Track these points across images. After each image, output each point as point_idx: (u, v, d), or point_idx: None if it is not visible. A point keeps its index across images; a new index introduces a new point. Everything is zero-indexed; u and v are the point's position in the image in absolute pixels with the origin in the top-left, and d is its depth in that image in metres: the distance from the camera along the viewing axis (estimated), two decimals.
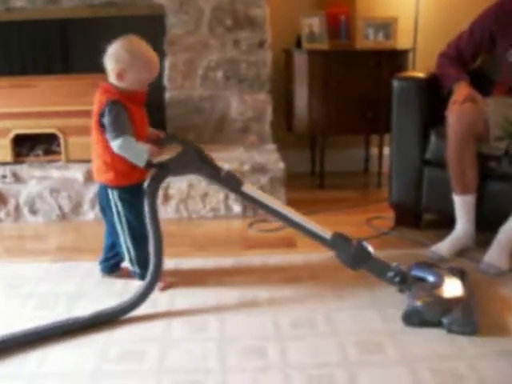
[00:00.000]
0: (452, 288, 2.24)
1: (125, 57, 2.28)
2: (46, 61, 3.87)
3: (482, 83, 3.03)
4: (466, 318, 2.11)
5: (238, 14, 3.73)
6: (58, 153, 3.52)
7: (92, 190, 3.33)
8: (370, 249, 2.31)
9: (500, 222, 2.70)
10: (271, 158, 3.56)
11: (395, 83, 3.04)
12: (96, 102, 2.34)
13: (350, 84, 3.83)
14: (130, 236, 2.42)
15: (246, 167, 3.39)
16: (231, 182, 2.34)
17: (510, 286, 2.48)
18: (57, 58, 3.87)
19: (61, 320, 2.14)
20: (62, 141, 3.45)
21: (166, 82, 3.79)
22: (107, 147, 2.30)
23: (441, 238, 2.84)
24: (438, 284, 2.24)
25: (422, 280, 2.30)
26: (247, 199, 2.38)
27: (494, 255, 2.64)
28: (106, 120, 2.26)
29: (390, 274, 2.28)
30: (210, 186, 3.31)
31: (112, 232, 2.50)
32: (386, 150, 3.40)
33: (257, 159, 3.50)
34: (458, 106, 2.72)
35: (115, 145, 2.24)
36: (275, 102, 3.93)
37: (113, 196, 2.41)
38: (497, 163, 2.78)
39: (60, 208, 3.36)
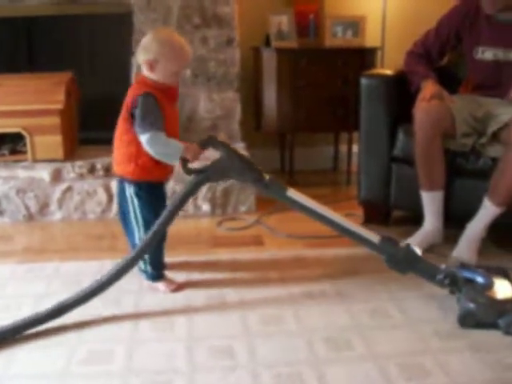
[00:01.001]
0: (503, 289, 2.21)
1: (154, 46, 2.25)
2: (11, 59, 3.83)
3: (450, 81, 3.06)
4: None
5: (206, 11, 3.70)
6: (24, 152, 3.46)
7: (59, 190, 3.29)
8: (419, 251, 2.27)
9: (467, 217, 2.72)
10: None
11: (363, 81, 3.04)
12: (130, 93, 2.30)
13: (318, 82, 3.84)
14: (145, 233, 2.35)
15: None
16: (276, 188, 2.27)
17: None
18: (22, 57, 3.83)
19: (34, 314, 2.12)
20: (27, 140, 3.40)
21: (133, 80, 3.75)
22: (133, 140, 2.27)
23: (409, 234, 2.85)
24: (488, 285, 2.20)
25: (471, 281, 2.24)
26: (293, 204, 2.29)
27: (461, 251, 2.67)
28: (138, 111, 2.21)
29: (440, 276, 2.23)
30: (178, 185, 3.29)
31: (122, 224, 2.49)
32: (356, 148, 3.40)
33: None
34: (426, 103, 2.74)
35: (144, 138, 2.20)
36: (244, 100, 3.91)
37: (129, 191, 2.37)
38: (464, 160, 2.80)
39: (26, 208, 3.31)
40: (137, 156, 2.29)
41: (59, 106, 3.34)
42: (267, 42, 3.96)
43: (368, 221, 3.21)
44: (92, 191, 3.32)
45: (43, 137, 3.37)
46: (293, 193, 2.28)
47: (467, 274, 2.25)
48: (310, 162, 4.32)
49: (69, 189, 3.32)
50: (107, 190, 3.33)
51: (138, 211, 2.37)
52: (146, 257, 2.39)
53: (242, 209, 3.44)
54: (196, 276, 2.58)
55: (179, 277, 2.54)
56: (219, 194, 3.39)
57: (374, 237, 2.28)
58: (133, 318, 2.22)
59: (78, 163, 3.35)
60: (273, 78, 3.83)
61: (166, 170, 2.41)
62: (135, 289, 2.44)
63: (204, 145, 2.27)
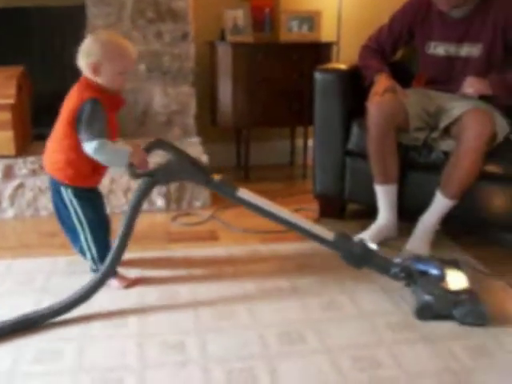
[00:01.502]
0: (456, 280, 2.24)
1: (97, 48, 2.20)
2: None
3: (403, 75, 3.08)
4: (477, 309, 2.12)
5: (160, 6, 3.67)
6: None
7: (11, 187, 3.23)
8: (373, 246, 2.29)
9: (421, 210, 2.75)
10: (195, 151, 3.51)
11: (317, 75, 3.05)
12: (74, 95, 2.24)
13: (274, 77, 3.83)
14: (91, 233, 2.35)
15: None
16: (226, 188, 2.27)
17: None
18: None
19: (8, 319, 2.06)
20: None
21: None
22: (74, 145, 2.21)
23: (365, 227, 2.87)
24: (441, 276, 2.23)
25: (425, 273, 2.27)
26: (244, 204, 2.29)
27: (414, 243, 2.69)
28: (84, 118, 2.16)
29: (395, 269, 2.26)
30: (133, 181, 3.26)
31: (61, 225, 2.46)
32: (311, 142, 3.41)
33: None
34: (379, 97, 2.75)
35: (90, 147, 2.14)
36: (199, 95, 3.89)
37: (67, 194, 2.32)
38: (417, 154, 2.82)
39: None
40: (77, 162, 2.25)
41: (10, 101, 3.26)
42: (222, 37, 3.94)
43: (323, 215, 3.23)
44: (45, 187, 3.25)
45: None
46: (244, 192, 2.28)
47: (421, 267, 2.28)
48: (267, 157, 4.32)
49: (21, 185, 3.26)
50: None
51: (79, 212, 2.33)
52: (96, 255, 2.37)
53: (197, 204, 3.41)
54: (150, 272, 2.55)
55: (133, 273, 2.51)
56: (174, 189, 3.37)
57: (328, 234, 2.29)
58: (83, 315, 2.18)
59: (30, 159, 3.28)
60: (228, 72, 3.82)
61: (102, 175, 2.40)
62: None
63: (151, 148, 2.27)
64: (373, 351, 1.95)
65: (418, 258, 2.36)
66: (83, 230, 2.35)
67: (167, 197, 3.37)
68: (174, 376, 1.82)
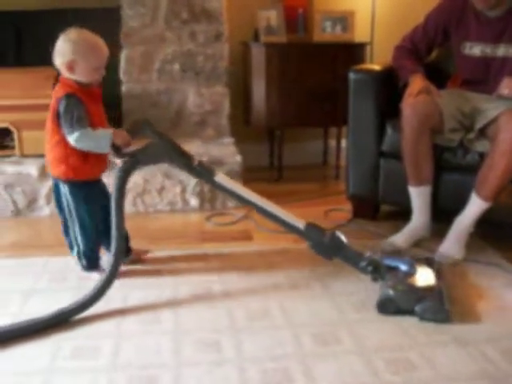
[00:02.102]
0: (424, 277, 2.28)
1: (68, 47, 2.27)
2: None
3: (438, 76, 3.06)
4: (438, 306, 2.14)
5: (194, 6, 3.70)
6: (12, 147, 3.45)
7: (47, 186, 3.28)
8: (344, 238, 2.32)
9: (455, 212, 2.73)
10: (228, 151, 3.54)
11: (352, 76, 3.04)
12: (53, 94, 2.34)
13: (307, 77, 3.83)
14: (80, 230, 2.43)
15: (203, 160, 3.36)
16: (203, 172, 2.33)
17: (471, 273, 2.54)
18: (9, 51, 3.81)
19: (19, 322, 2.08)
20: (15, 135, 3.39)
21: (122, 75, 3.75)
22: (61, 141, 2.30)
23: (398, 229, 2.86)
24: (410, 273, 2.27)
25: (394, 269, 2.31)
26: (219, 189, 2.38)
27: (449, 245, 2.67)
28: (62, 113, 2.25)
29: (363, 263, 2.29)
30: (167, 180, 3.29)
31: (62, 220, 2.53)
32: (345, 143, 3.41)
33: (214, 153, 3.49)
34: (413, 98, 2.74)
35: (72, 138, 2.23)
36: (233, 95, 3.92)
37: (64, 190, 2.40)
38: (451, 155, 2.81)
39: (14, 204, 3.30)
40: (65, 157, 2.33)
41: (48, 101, 3.30)
42: (256, 37, 3.95)
43: (356, 215, 3.22)
44: None
45: (31, 132, 3.36)
46: (221, 177, 2.35)
47: (391, 262, 2.34)
48: (299, 157, 4.32)
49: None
50: None
51: (72, 207, 2.41)
52: (81, 251, 2.46)
53: (231, 204, 3.43)
54: (183, 271, 2.57)
55: (166, 272, 2.55)
56: (207, 188, 3.39)
57: (299, 222, 2.33)
58: (119, 312, 2.21)
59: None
60: (261, 73, 3.83)
61: (98, 167, 2.44)
62: (121, 284, 2.42)
63: (135, 130, 2.33)
64: (406, 353, 1.94)
65: (390, 254, 2.45)
66: (73, 224, 2.44)
67: (201, 196, 3.39)
68: (210, 374, 1.83)
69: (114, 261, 2.24)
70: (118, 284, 2.39)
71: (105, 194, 2.49)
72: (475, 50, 2.85)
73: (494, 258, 2.67)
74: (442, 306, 2.15)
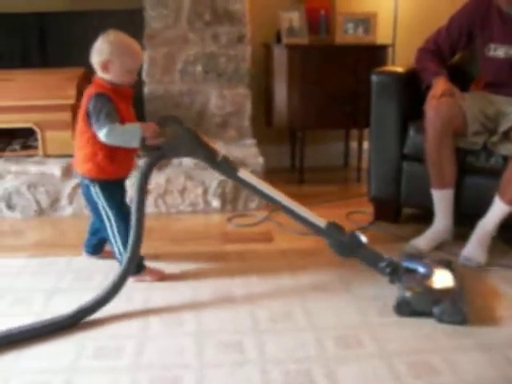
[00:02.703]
0: (442, 279, 2.27)
1: (106, 47, 2.33)
2: (23, 54, 3.85)
3: (461, 78, 3.05)
4: (455, 308, 2.14)
5: (217, 8, 3.71)
6: (35, 147, 3.48)
7: (70, 186, 3.30)
8: (363, 238, 2.31)
9: (478, 216, 2.71)
10: (250, 152, 3.55)
11: (374, 78, 3.04)
12: (85, 94, 2.38)
13: (329, 79, 3.83)
14: (117, 227, 2.45)
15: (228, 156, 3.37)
16: (227, 167, 2.33)
17: (494, 277, 2.52)
18: (34, 52, 3.84)
19: (39, 321, 2.10)
20: (39, 135, 3.42)
21: (144, 76, 3.77)
22: (90, 138, 2.35)
23: (420, 232, 2.85)
24: (428, 275, 2.27)
25: (412, 271, 2.31)
26: (243, 184, 2.38)
27: (471, 249, 2.66)
28: (92, 110, 2.30)
29: (382, 264, 2.29)
30: (189, 181, 3.30)
31: (97, 221, 2.54)
32: (366, 145, 3.40)
33: (236, 154, 3.49)
34: (436, 100, 2.73)
35: (102, 133, 2.27)
36: (255, 96, 3.93)
37: (94, 189, 2.44)
38: (475, 158, 2.79)
39: (37, 203, 3.33)
40: (92, 155, 2.38)
41: (71, 101, 3.35)
42: (278, 39, 3.96)
43: (378, 218, 3.22)
44: None
45: (55, 132, 3.40)
46: (244, 173, 2.34)
47: (410, 265, 2.33)
48: (321, 159, 4.32)
49: (79, 184, 3.33)
50: None
51: (106, 206, 2.45)
52: (121, 249, 2.45)
53: (252, 205, 3.43)
54: (205, 272, 2.59)
55: (188, 273, 2.56)
56: (229, 189, 3.39)
57: (321, 221, 2.33)
58: (142, 313, 2.22)
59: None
60: (283, 74, 3.83)
61: (125, 168, 2.50)
62: (143, 286, 2.44)
63: (161, 123, 2.35)
64: (428, 357, 1.94)
65: (409, 256, 2.45)
66: (110, 224, 2.46)
67: (223, 197, 3.40)
68: (232, 375, 1.83)
69: (130, 258, 2.25)
70: (140, 285, 2.42)
71: (124, 196, 2.55)
72: (499, 51, 2.83)
73: None
74: (459, 309, 2.14)
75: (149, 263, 2.52)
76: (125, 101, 2.42)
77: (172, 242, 2.96)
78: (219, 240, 2.99)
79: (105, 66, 2.34)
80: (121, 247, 2.45)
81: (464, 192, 2.82)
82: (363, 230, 3.06)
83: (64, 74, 3.41)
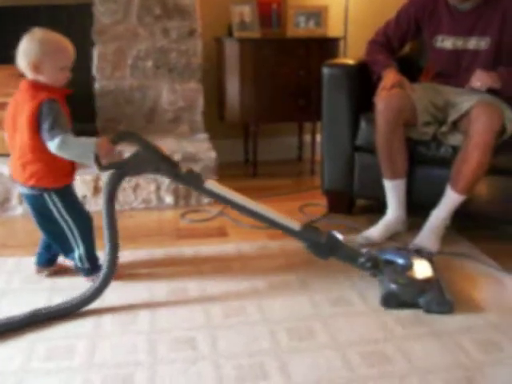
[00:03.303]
0: (422, 269, 2.30)
1: (34, 47, 2.18)
2: None
3: (411, 69, 3.08)
4: (441, 297, 2.17)
5: (167, 2, 3.68)
6: None
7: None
8: (340, 237, 2.30)
9: (430, 206, 2.74)
10: (203, 147, 3.53)
11: (325, 70, 3.04)
12: (26, 100, 2.19)
13: (281, 72, 3.83)
14: (78, 232, 2.36)
15: (177, 157, 3.35)
16: (193, 180, 2.27)
17: (447, 266, 2.52)
18: None
19: (7, 317, 2.07)
20: None
21: (94, 72, 3.72)
22: (38, 147, 2.19)
23: (373, 223, 2.87)
24: (408, 266, 2.28)
25: (392, 263, 2.33)
26: (211, 195, 2.31)
27: (424, 238, 2.68)
28: (45, 119, 2.14)
29: (361, 260, 2.29)
30: (141, 178, 3.27)
31: (47, 235, 2.43)
32: (319, 138, 3.41)
33: (188, 149, 3.47)
34: (386, 92, 2.74)
35: (54, 144, 2.12)
36: (207, 91, 3.91)
37: (50, 197, 2.30)
38: (425, 148, 2.82)
39: None
40: (44, 164, 2.24)
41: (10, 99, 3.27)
42: (230, 33, 3.94)
43: (332, 210, 3.23)
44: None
45: (1, 130, 3.31)
46: (212, 184, 2.29)
47: (388, 257, 2.35)
48: (274, 153, 4.32)
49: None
50: None
51: (63, 212, 2.33)
52: (84, 253, 2.38)
53: (206, 200, 3.41)
54: (159, 269, 2.56)
55: (142, 270, 2.53)
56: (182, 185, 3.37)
57: (295, 224, 2.31)
58: (95, 312, 2.19)
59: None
60: (235, 68, 3.82)
61: (69, 172, 2.36)
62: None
63: (117, 140, 2.24)
64: (381, 346, 1.95)
65: (387, 249, 2.45)
66: (70, 230, 2.35)
67: (176, 193, 3.37)
68: (185, 372, 1.82)
69: (109, 265, 2.20)
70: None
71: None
72: (447, 43, 2.86)
73: (468, 250, 2.69)
74: (444, 298, 2.17)
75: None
76: (65, 104, 2.28)
77: (125, 239, 2.90)
78: (173, 236, 2.97)
79: (36, 68, 2.18)
80: (83, 253, 2.38)
81: (415, 182, 2.85)
82: (317, 222, 3.08)
83: (9, 71, 3.33)
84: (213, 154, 3.43)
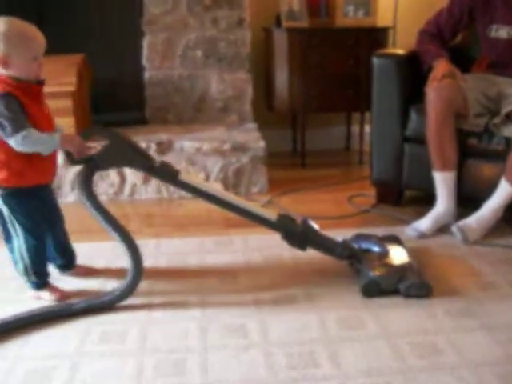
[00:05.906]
0: (398, 255, 2.32)
1: (0, 40, 2.00)
2: None
3: (462, 60, 3.03)
4: (420, 281, 2.20)
5: None
6: None
7: (71, 172, 3.29)
8: (316, 226, 2.31)
9: (480, 198, 2.72)
10: (252, 136, 3.54)
11: (375, 60, 3.03)
12: None
13: (330, 62, 3.82)
14: (25, 241, 2.18)
15: (227, 146, 3.37)
16: (166, 173, 2.23)
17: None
18: None
19: (47, 306, 2.12)
20: None
21: (144, 61, 3.76)
22: (1, 144, 2.06)
23: (422, 214, 2.85)
24: (384, 253, 2.30)
25: (367, 251, 2.34)
26: (185, 189, 2.26)
27: (466, 224, 2.69)
28: (1, 114, 1.99)
29: (339, 249, 2.30)
30: (191, 166, 3.30)
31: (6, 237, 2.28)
32: (368, 128, 3.39)
33: (237, 138, 3.49)
34: (437, 82, 2.72)
35: (15, 141, 1.99)
36: (255, 80, 3.92)
37: (1, 198, 2.15)
38: (477, 140, 2.78)
39: None
40: (7, 162, 2.08)
41: (71, 88, 3.33)
42: (278, 23, 3.94)
43: (381, 201, 3.22)
44: (105, 173, 3.33)
45: (55, 119, 3.37)
46: (185, 177, 2.25)
47: (363, 245, 2.36)
48: (323, 143, 4.32)
49: None
50: (119, 171, 3.34)
51: (13, 216, 2.16)
52: (29, 266, 2.20)
53: (255, 189, 3.44)
54: (208, 257, 2.59)
55: (191, 259, 2.56)
56: (231, 174, 3.40)
57: (271, 215, 2.31)
58: (146, 298, 2.23)
59: (91, 145, 3.34)
60: (284, 58, 3.82)
61: (45, 172, 2.19)
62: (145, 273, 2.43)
63: (87, 135, 2.21)
64: (431, 338, 1.94)
65: (359, 237, 2.44)
66: (17, 236, 2.19)
67: (225, 182, 3.40)
68: (236, 358, 1.84)
69: (136, 261, 2.16)
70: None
71: (49, 204, 2.28)
72: (501, 32, 2.82)
73: None
74: (423, 282, 2.20)
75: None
76: (35, 100, 2.09)
77: (175, 227, 2.96)
78: (221, 225, 2.99)
79: (3, 61, 2.00)
80: (29, 265, 2.20)
81: (466, 174, 2.81)
82: (365, 213, 3.07)
83: (64, 61, 3.38)
84: (262, 144, 3.44)
